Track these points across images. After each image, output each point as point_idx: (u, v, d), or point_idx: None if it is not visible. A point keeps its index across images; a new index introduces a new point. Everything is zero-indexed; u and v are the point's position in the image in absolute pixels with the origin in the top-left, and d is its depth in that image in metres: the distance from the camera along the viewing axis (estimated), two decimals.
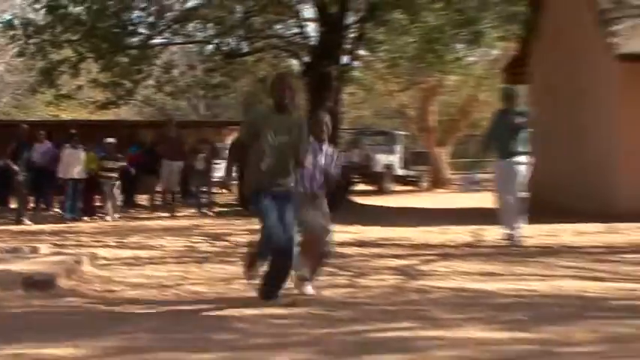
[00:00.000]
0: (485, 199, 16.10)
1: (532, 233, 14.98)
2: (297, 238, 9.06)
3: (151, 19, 26.80)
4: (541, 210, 18.37)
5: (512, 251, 13.17)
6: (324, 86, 26.35)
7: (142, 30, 26.90)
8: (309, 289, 9.31)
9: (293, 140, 8.71)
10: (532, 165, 14.15)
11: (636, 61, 17.92)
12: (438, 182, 42.04)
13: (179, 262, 12.87)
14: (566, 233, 15.54)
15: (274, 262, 8.58)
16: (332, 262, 12.23)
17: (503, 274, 10.80)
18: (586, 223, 16.64)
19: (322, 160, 9.58)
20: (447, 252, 13.30)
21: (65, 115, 34.97)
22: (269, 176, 8.58)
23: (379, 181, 38.61)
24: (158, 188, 26.03)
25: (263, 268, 8.88)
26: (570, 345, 6.58)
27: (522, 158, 13.78)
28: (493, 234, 14.46)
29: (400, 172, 40.71)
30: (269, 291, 8.76)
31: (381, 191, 36.89)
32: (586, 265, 11.73)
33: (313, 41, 27.55)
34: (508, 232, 13.95)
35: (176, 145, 24.44)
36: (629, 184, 18.35)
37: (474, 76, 36.49)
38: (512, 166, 13.76)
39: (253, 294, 9.72)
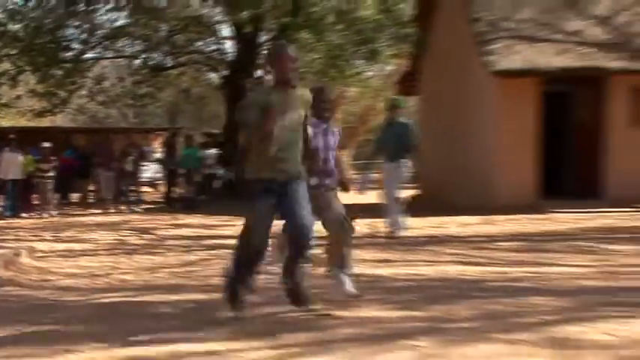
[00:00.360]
0: (379, 196, 16.16)
1: (422, 225, 15.13)
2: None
3: (83, 35, 26.68)
4: (430, 205, 18.62)
5: (404, 241, 13.24)
6: (241, 97, 26.24)
7: (75, 45, 26.81)
8: (348, 286, 7.82)
9: (299, 122, 6.87)
10: (413, 167, 14.24)
11: (508, 77, 18.26)
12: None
13: (110, 254, 12.74)
14: (451, 225, 15.69)
15: (245, 258, 6.91)
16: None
17: (396, 261, 10.85)
18: (468, 216, 16.84)
19: (332, 141, 7.85)
20: (362, 241, 13.33)
21: (5, 122, 34.32)
22: (277, 162, 6.70)
23: None
24: (91, 187, 25.86)
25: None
26: (454, 321, 6.63)
27: (405, 161, 13.86)
28: (404, 225, 14.52)
29: None
30: (229, 291, 7.00)
31: None
32: (467, 252, 11.87)
33: (230, 57, 27.68)
34: (392, 224, 14.02)
35: (109, 154, 24.38)
36: (505, 182, 18.64)
37: (372, 89, 36.64)
38: (396, 167, 13.84)
39: (176, 281, 9.65)
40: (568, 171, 19.93)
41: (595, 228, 14.49)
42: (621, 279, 8.86)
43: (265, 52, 26.95)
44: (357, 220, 14.40)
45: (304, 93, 7.00)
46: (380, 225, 14.43)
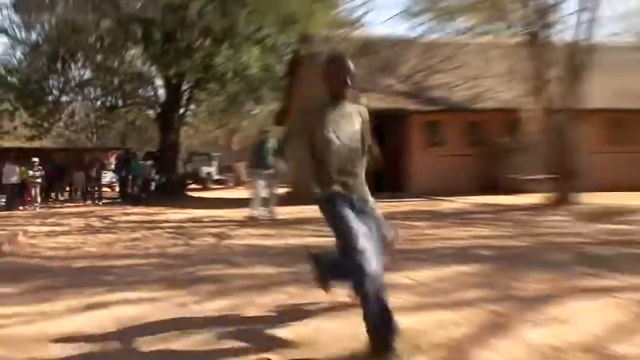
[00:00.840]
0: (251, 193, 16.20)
1: (292, 211, 15.15)
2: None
3: (60, 85, 26.14)
4: (297, 198, 18.72)
5: (280, 222, 13.26)
6: (170, 127, 26.35)
7: (55, 92, 26.24)
8: None
9: (358, 133, 4.37)
10: (279, 173, 14.20)
11: None
12: (238, 183, 42.03)
13: (80, 233, 12.43)
14: (311, 211, 15.74)
15: (368, 302, 3.81)
16: (176, 230, 12.14)
17: (275, 235, 10.87)
18: None
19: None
20: (243, 223, 13.28)
21: (6, 144, 33.10)
22: (339, 177, 4.27)
23: (203, 182, 38.52)
24: (67, 189, 25.37)
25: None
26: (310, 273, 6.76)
27: (271, 170, 13.81)
28: (276, 213, 14.49)
29: (216, 177, 40.75)
30: (380, 344, 3.84)
31: (204, 188, 36.62)
32: (322, 228, 11.91)
33: (162, 99, 27.41)
34: (255, 212, 13.96)
35: (81, 165, 24.19)
36: None
37: (258, 121, 36.65)
38: (263, 173, 13.79)
39: (127, 251, 9.51)
40: (387, 175, 20.41)
41: (404, 211, 14.81)
42: (417, 243, 9.13)
43: (186, 96, 26.91)
44: (246, 209, 14.50)
45: (362, 108, 4.55)
46: (264, 212, 14.47)
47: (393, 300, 5.06)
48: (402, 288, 5.87)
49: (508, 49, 18.41)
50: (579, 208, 14.12)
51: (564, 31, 15.97)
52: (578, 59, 14.98)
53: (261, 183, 13.90)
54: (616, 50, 21.49)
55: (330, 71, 4.45)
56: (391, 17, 59.39)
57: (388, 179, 20.32)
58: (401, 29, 45.60)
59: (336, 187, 4.24)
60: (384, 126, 20.42)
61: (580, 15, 15.22)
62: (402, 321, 4.77)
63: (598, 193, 15.96)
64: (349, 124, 4.36)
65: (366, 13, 43.29)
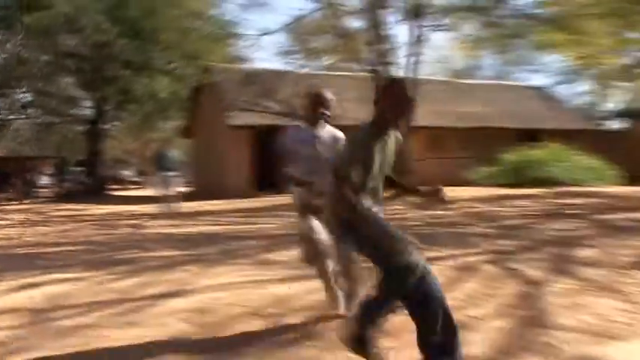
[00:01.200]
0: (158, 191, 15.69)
1: (194, 206, 14.81)
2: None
3: (8, 105, 24.79)
4: (198, 195, 18.34)
5: (183, 215, 12.73)
6: (96, 139, 25.46)
7: (3, 111, 24.74)
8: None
9: (388, 158, 3.26)
10: (185, 175, 13.80)
11: (237, 129, 18.48)
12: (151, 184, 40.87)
13: (21, 226, 11.60)
14: (208, 205, 15.39)
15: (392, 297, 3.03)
16: (100, 222, 11.50)
17: (180, 225, 10.53)
18: (217, 200, 16.69)
19: (322, 148, 3.97)
20: (154, 216, 12.76)
21: None
22: (372, 201, 3.20)
23: (123, 183, 37.23)
24: (10, 190, 23.74)
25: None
26: (209, 255, 6.57)
27: (172, 173, 13.29)
28: (180, 207, 14.02)
29: (133, 179, 39.49)
30: None
31: (124, 189, 35.25)
32: (216, 219, 11.70)
33: (90, 117, 26.29)
34: (162, 207, 13.38)
35: (22, 168, 22.87)
36: (234, 183, 18.70)
37: (167, 135, 35.57)
38: (166, 175, 13.27)
39: (58, 240, 8.90)
40: (270, 176, 20.21)
41: (283, 204, 14.79)
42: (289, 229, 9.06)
43: (111, 114, 25.78)
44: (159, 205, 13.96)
45: (397, 134, 3.32)
46: (177, 206, 14.03)
47: (272, 273, 4.99)
48: (277, 263, 5.80)
49: (359, 80, 18.81)
50: (410, 199, 14.56)
51: (398, 68, 16.65)
52: (409, 90, 15.68)
53: (164, 184, 13.39)
54: (434, 83, 22.50)
55: (389, 101, 3.06)
56: (272, 54, 59.92)
57: (269, 179, 20.20)
58: (279, 64, 45.99)
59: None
60: (266, 137, 20.31)
61: (409, 58, 16.28)
62: (279, 289, 4.72)
63: None
64: (389, 153, 3.25)
65: (253, 51, 43.12)
